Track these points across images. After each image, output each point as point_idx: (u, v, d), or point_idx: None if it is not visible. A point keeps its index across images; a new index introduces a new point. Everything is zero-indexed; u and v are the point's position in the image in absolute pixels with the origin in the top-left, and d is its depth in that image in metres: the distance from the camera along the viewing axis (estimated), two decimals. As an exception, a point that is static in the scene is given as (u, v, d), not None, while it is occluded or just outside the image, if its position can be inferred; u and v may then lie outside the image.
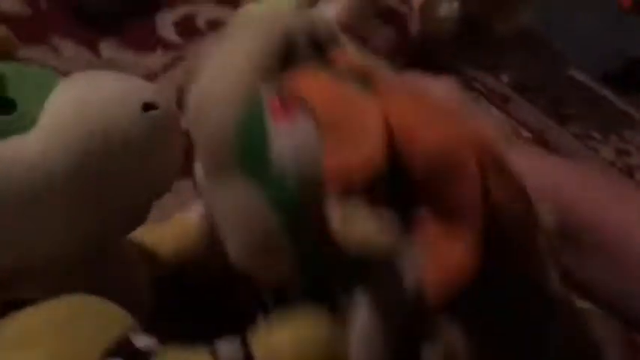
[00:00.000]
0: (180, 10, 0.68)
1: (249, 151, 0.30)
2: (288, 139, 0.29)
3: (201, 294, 0.41)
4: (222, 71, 0.31)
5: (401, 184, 0.28)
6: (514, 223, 0.28)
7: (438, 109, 0.30)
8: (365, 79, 0.31)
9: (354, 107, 0.29)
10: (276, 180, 0.29)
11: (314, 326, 0.29)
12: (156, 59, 0.62)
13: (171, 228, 0.41)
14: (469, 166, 0.26)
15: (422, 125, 0.28)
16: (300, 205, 0.28)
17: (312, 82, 0.30)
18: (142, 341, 0.28)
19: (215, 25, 0.68)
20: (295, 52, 0.31)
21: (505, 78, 0.77)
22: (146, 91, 0.31)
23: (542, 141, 0.71)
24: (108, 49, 0.61)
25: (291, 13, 0.36)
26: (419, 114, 0.28)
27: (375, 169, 0.26)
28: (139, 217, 0.34)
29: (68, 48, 0.60)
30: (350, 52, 0.33)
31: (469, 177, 0.26)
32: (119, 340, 0.27)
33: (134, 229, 0.35)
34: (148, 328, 0.29)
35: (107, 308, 0.29)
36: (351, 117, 0.28)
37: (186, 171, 0.34)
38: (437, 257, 0.26)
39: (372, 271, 0.28)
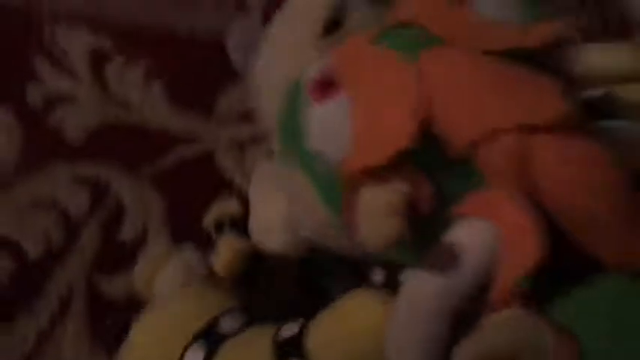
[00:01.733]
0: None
1: (290, 135, 0.30)
2: (318, 120, 0.28)
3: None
4: (271, 48, 0.32)
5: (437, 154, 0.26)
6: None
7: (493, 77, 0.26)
8: (418, 36, 0.28)
9: (388, 79, 0.27)
10: (311, 161, 0.29)
11: (364, 317, 0.29)
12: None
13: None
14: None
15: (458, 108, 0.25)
16: (337, 185, 0.28)
17: (348, 55, 0.28)
18: (228, 324, 0.32)
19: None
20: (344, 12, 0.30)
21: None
22: None
23: None
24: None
25: None
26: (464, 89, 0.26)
27: (404, 143, 0.25)
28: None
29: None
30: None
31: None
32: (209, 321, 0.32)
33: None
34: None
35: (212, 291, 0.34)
36: (381, 88, 0.27)
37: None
38: (512, 249, 0.24)
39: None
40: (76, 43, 0.72)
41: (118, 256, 0.51)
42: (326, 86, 0.28)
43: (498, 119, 0.25)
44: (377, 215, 0.26)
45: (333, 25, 0.31)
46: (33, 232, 0.52)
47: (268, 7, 0.61)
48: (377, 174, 0.26)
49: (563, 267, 0.25)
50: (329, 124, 0.28)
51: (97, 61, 0.70)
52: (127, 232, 0.53)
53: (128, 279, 0.49)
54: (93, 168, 0.58)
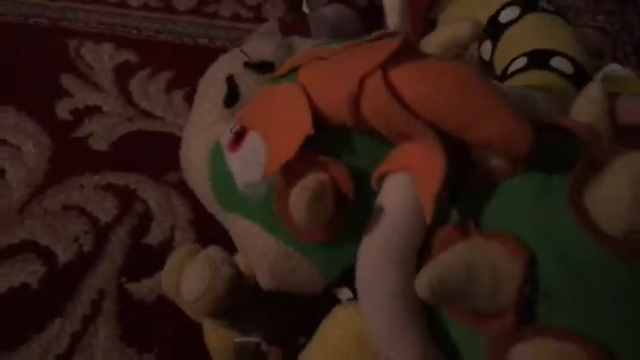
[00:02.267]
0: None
1: (222, 189, 0.34)
2: (237, 161, 0.33)
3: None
4: (191, 130, 0.37)
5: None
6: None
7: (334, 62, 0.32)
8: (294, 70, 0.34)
9: (279, 100, 0.32)
10: (245, 199, 0.33)
11: (350, 324, 0.31)
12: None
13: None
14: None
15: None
16: (272, 205, 0.32)
17: (249, 104, 0.34)
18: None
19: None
20: (239, 84, 0.37)
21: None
22: None
23: None
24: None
25: (227, 57, 0.40)
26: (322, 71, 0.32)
27: (305, 132, 0.29)
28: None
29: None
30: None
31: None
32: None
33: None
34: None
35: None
36: (276, 109, 0.32)
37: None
38: (423, 180, 0.28)
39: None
40: (101, 58, 0.74)
41: (145, 259, 0.52)
42: (237, 137, 0.34)
43: (354, 77, 0.30)
44: (301, 200, 0.29)
45: (232, 98, 0.37)
46: (63, 237, 0.54)
47: (285, 17, 0.63)
48: (295, 170, 0.30)
49: (477, 182, 0.29)
50: (248, 157, 0.33)
51: (122, 74, 0.72)
52: (154, 236, 0.54)
53: (156, 282, 0.51)
54: (120, 176, 0.59)
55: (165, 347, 0.47)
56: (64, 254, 0.52)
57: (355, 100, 0.29)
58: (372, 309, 0.28)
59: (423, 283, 0.24)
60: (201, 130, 0.37)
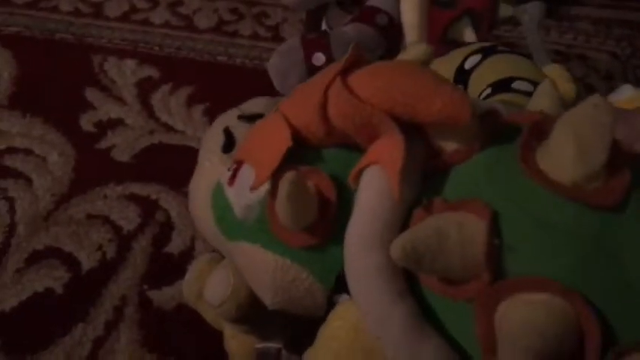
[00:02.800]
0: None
1: (224, 220, 0.37)
2: (234, 191, 0.36)
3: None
4: (195, 180, 0.41)
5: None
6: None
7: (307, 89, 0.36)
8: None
9: (262, 129, 0.37)
10: (242, 224, 0.36)
11: (348, 318, 0.32)
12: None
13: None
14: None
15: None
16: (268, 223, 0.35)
17: (242, 142, 0.39)
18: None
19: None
20: (234, 133, 0.41)
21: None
22: None
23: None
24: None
25: (223, 115, 0.44)
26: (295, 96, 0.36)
27: (285, 145, 0.33)
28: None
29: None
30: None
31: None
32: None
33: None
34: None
35: None
36: (260, 137, 0.36)
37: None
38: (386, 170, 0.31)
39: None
40: (124, 74, 0.76)
41: (166, 268, 0.54)
42: (234, 173, 0.37)
43: (319, 90, 0.33)
44: (282, 192, 0.31)
45: (229, 146, 0.41)
46: (87, 245, 0.55)
47: (306, 34, 0.64)
48: (279, 179, 0.33)
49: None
50: (242, 184, 0.36)
51: (144, 89, 0.74)
52: (175, 245, 0.56)
53: (176, 290, 0.52)
54: (142, 187, 0.61)
55: (185, 354, 0.48)
56: (87, 261, 0.54)
57: (323, 108, 0.33)
58: (359, 292, 0.30)
59: (396, 247, 0.26)
60: (205, 176, 0.41)
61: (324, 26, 0.68)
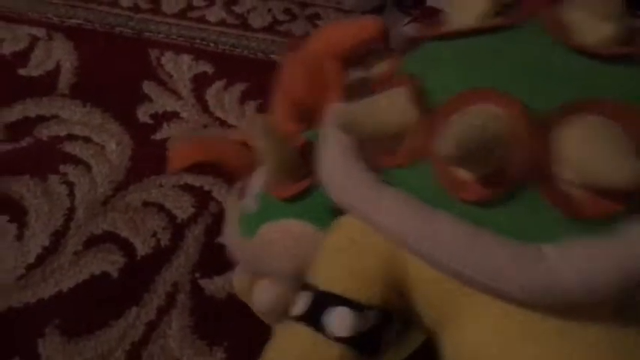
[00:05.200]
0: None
1: (244, 221, 0.41)
2: (247, 198, 0.42)
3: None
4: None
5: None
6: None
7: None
8: None
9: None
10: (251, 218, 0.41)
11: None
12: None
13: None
14: None
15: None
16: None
17: None
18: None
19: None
20: None
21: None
22: None
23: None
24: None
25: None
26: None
27: None
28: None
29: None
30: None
31: None
32: None
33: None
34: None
35: None
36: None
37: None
38: None
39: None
40: (180, 68, 0.78)
41: (218, 258, 0.54)
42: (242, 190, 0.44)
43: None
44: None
45: None
46: (143, 231, 0.56)
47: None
48: None
49: None
50: (251, 189, 0.42)
51: (199, 84, 0.76)
52: (227, 236, 0.56)
53: (227, 279, 0.52)
54: (196, 178, 0.62)
55: (235, 342, 0.49)
56: (142, 247, 0.55)
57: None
58: (329, 166, 0.34)
59: (339, 115, 0.32)
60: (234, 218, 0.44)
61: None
